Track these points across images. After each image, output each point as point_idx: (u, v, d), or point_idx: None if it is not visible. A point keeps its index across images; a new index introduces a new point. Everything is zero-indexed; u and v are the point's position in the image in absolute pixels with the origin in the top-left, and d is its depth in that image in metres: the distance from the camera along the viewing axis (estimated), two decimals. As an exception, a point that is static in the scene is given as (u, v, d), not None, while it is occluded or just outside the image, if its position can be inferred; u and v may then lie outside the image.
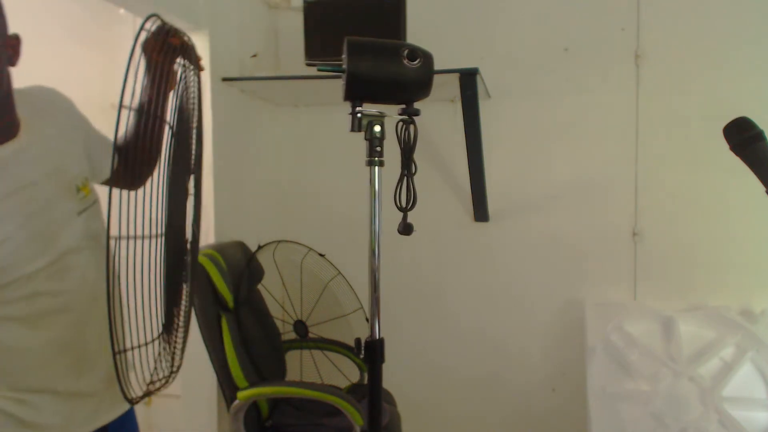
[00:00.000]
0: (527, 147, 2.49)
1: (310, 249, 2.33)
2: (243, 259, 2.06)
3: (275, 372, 2.09)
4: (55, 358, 1.06)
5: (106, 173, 1.23)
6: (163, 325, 0.99)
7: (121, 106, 0.82)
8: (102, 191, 1.16)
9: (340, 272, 2.35)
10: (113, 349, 0.85)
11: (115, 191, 0.82)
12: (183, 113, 1.00)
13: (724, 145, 1.05)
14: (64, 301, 1.06)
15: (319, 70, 1.11)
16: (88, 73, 2.54)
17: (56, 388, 1.06)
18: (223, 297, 1.84)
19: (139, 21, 0.90)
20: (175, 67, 1.01)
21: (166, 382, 0.99)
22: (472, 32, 2.51)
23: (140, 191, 0.88)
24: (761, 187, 1.01)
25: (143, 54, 1.02)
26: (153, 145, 0.93)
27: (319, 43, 2.32)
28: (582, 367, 2.29)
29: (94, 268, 1.13)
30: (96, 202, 1.18)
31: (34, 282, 1.01)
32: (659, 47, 2.35)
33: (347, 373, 2.28)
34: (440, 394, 2.63)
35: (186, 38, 1.02)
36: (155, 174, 0.93)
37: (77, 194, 1.11)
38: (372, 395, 1.11)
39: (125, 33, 2.53)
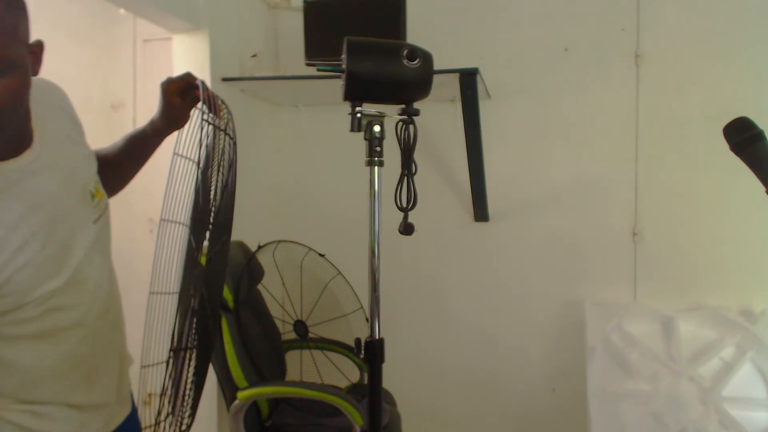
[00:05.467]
0: (527, 147, 2.49)
1: (310, 249, 2.33)
2: (243, 259, 2.06)
3: (275, 372, 2.09)
4: (69, 372, 1.02)
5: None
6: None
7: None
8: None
9: (340, 272, 2.35)
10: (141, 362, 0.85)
11: None
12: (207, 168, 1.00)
13: (724, 145, 1.05)
14: (78, 315, 1.02)
15: (318, 70, 1.11)
16: (88, 73, 2.54)
17: (70, 400, 1.03)
18: (223, 297, 1.84)
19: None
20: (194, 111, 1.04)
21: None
22: (472, 32, 2.51)
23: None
24: (761, 187, 1.01)
25: (162, 93, 1.10)
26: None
27: (319, 43, 2.32)
28: (582, 367, 2.29)
29: (107, 277, 1.09)
30: (108, 207, 1.11)
31: (51, 300, 0.96)
32: (659, 47, 2.35)
33: (347, 373, 2.28)
34: (440, 394, 2.62)
35: (210, 93, 1.04)
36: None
37: (92, 201, 1.04)
38: (372, 395, 1.11)
39: (125, 33, 2.53)
